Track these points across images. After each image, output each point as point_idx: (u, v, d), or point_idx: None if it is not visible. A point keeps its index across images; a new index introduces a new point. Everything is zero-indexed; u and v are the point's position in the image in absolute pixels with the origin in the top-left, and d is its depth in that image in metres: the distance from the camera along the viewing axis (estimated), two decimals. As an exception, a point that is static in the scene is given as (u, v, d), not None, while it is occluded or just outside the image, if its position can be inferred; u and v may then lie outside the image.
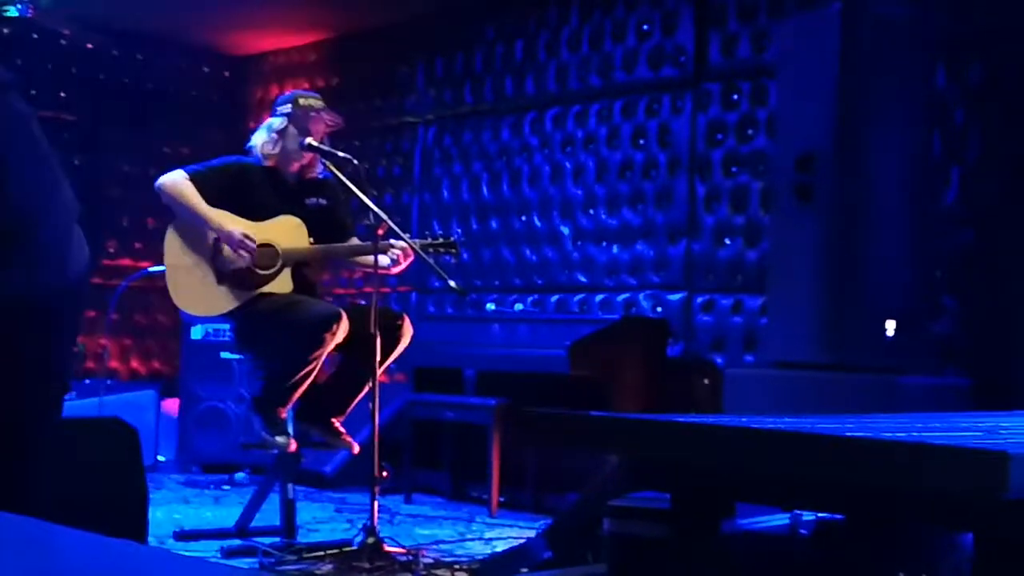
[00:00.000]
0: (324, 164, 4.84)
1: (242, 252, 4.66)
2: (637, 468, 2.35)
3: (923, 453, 1.69)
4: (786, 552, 2.57)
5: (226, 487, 6.73)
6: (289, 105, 4.87)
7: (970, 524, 1.87)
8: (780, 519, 2.77)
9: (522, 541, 4.46)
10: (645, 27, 7.00)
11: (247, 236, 4.67)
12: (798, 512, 2.77)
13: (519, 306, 7.25)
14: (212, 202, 4.73)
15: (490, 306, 7.26)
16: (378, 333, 4.55)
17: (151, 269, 6.60)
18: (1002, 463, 1.59)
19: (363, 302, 7.08)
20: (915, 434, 2.02)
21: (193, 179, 4.73)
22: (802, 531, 2.70)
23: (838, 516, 2.54)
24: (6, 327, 1.87)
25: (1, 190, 1.83)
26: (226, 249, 4.70)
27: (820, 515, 2.73)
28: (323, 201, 4.92)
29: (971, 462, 1.64)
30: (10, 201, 1.83)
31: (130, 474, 3.03)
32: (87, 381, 7.45)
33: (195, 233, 4.74)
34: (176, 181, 4.74)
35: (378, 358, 4.56)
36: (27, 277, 1.88)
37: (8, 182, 1.86)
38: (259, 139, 4.91)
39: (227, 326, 6.37)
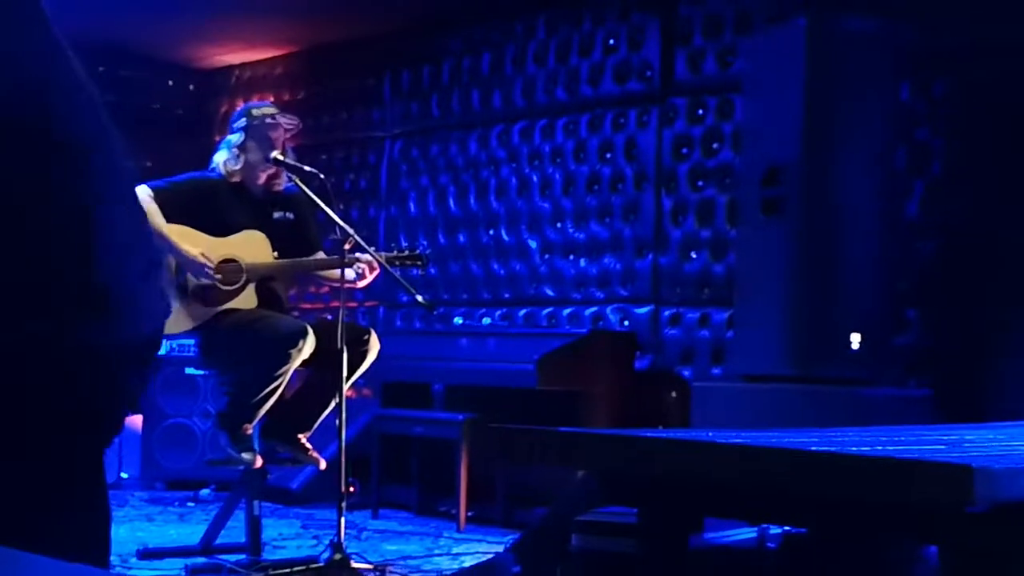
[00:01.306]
0: (290, 177, 4.81)
1: (202, 279, 4.63)
2: (605, 483, 2.35)
3: (888, 467, 1.70)
4: (754, 566, 2.57)
5: (191, 504, 6.66)
6: (244, 119, 4.84)
7: (935, 537, 1.87)
8: (747, 533, 2.77)
9: (490, 556, 4.45)
10: (611, 42, 7.02)
11: (204, 255, 4.63)
12: (765, 526, 2.77)
13: (487, 320, 7.24)
14: (176, 218, 4.69)
15: (458, 320, 7.24)
16: (345, 348, 4.53)
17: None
18: (966, 476, 1.59)
19: (330, 317, 7.06)
20: (880, 448, 2.02)
21: (156, 195, 4.68)
22: (769, 545, 2.70)
23: (805, 530, 2.54)
24: (72, 382, 1.76)
25: (88, 243, 1.73)
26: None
27: (787, 529, 2.73)
28: (290, 215, 4.90)
29: (936, 476, 1.64)
30: (97, 253, 1.72)
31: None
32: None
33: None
34: (138, 197, 4.68)
35: (345, 373, 4.54)
36: (103, 331, 1.76)
37: (97, 234, 1.75)
38: (220, 157, 4.88)
39: (191, 341, 6.32)
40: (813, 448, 1.85)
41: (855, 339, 5.10)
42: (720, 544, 2.62)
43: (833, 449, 1.87)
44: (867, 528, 1.92)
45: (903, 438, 2.37)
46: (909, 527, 1.88)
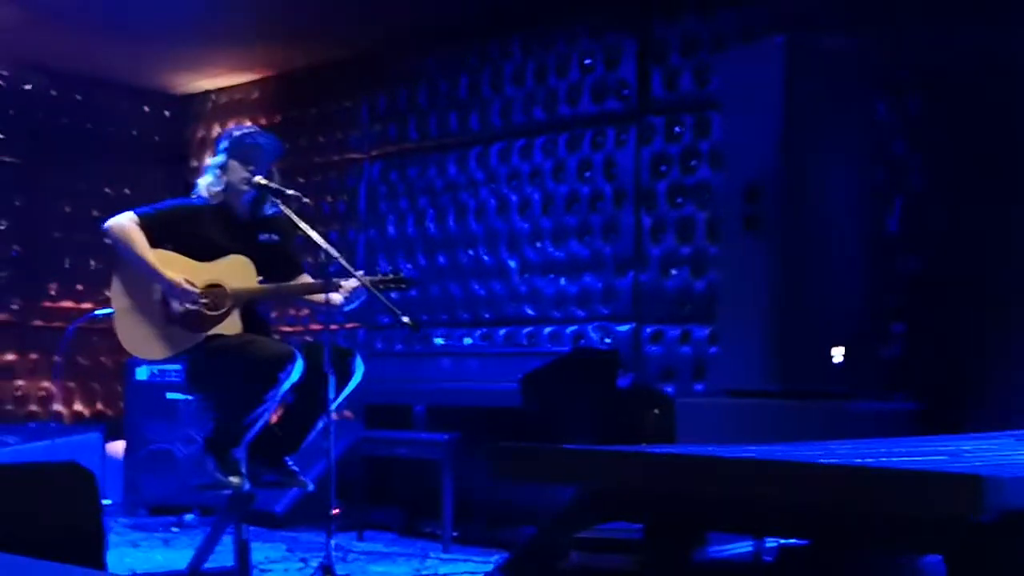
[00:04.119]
0: (274, 201, 4.81)
1: (188, 305, 4.62)
2: (605, 499, 2.36)
3: (897, 478, 1.72)
4: (754, 579, 2.59)
5: (175, 529, 6.63)
6: (226, 141, 4.87)
7: (941, 546, 1.90)
8: (743, 546, 2.79)
9: (480, 576, 4.45)
10: (588, 61, 7.06)
11: (188, 282, 4.62)
12: (761, 540, 2.79)
13: (468, 340, 7.24)
14: (161, 243, 4.69)
15: (439, 341, 7.24)
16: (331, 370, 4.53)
17: (99, 312, 6.52)
18: (976, 485, 1.62)
19: (308, 339, 7.05)
20: (884, 459, 2.05)
21: (142, 221, 4.69)
22: (766, 558, 2.72)
23: (802, 542, 2.56)
24: None
25: None
26: None
27: (782, 541, 2.75)
28: (275, 237, 4.90)
29: (947, 486, 1.66)
30: None
31: (89, 518, 2.98)
32: (31, 425, 7.33)
33: (140, 276, 4.68)
34: (123, 225, 4.68)
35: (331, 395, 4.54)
36: None
37: None
38: (204, 181, 4.89)
39: (174, 367, 6.31)
40: (819, 461, 1.87)
41: (838, 353, 5.14)
42: (718, 558, 2.64)
43: (839, 461, 1.89)
44: (871, 539, 1.94)
45: (902, 450, 2.40)
46: (913, 537, 1.91)
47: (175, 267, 4.68)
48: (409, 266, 6.85)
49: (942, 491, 1.65)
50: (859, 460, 1.98)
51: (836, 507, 1.85)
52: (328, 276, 4.63)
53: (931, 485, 1.68)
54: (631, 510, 2.30)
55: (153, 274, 4.63)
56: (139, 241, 4.65)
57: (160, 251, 4.69)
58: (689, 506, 2.16)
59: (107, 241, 4.71)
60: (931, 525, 1.82)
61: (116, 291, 4.72)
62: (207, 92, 9.25)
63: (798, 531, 2.19)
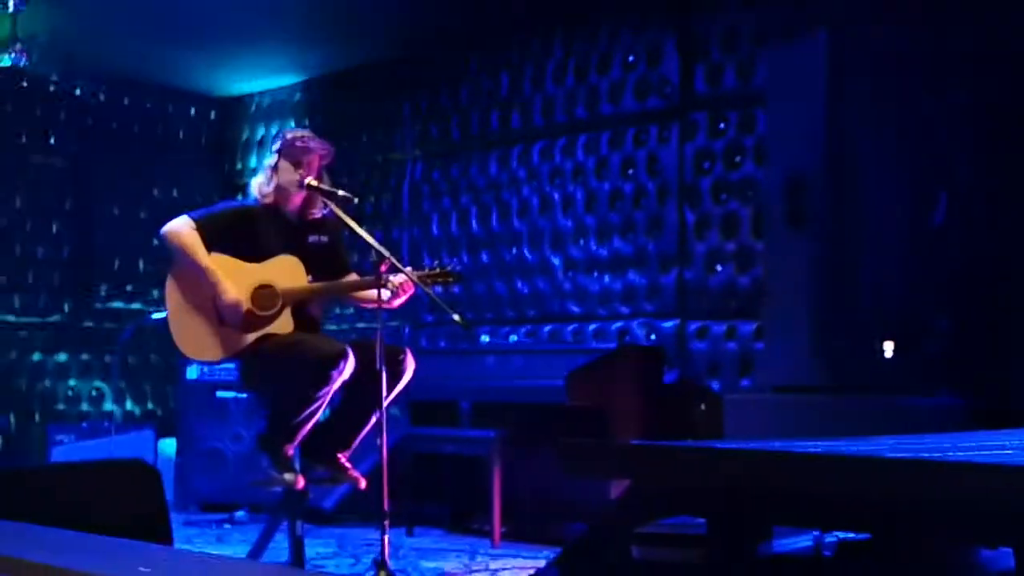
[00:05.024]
0: (325, 203, 4.87)
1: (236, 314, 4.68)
2: (667, 494, 2.39)
3: (969, 472, 1.74)
4: (814, 573, 2.61)
5: (227, 526, 6.72)
6: (279, 142, 4.93)
7: (1011, 539, 1.91)
8: (802, 541, 2.81)
9: (531, 572, 4.47)
10: (630, 59, 7.08)
11: (237, 304, 4.68)
12: (819, 533, 2.81)
13: (513, 337, 7.28)
14: (215, 246, 4.76)
15: (484, 338, 7.29)
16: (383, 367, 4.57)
17: (154, 315, 6.61)
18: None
19: (353, 336, 7.11)
20: (950, 454, 2.07)
21: (198, 225, 4.76)
22: (825, 552, 2.74)
23: (862, 536, 2.58)
24: None
25: None
26: None
27: (841, 536, 2.77)
28: (324, 238, 4.96)
29: (1019, 479, 1.68)
30: None
31: (155, 514, 3.04)
32: (84, 425, 7.44)
33: (195, 279, 4.74)
34: (181, 231, 4.75)
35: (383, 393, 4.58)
36: None
37: None
38: (256, 181, 4.97)
39: (222, 366, 6.38)
40: (888, 455, 1.90)
41: (888, 347, 5.13)
42: (778, 552, 2.66)
43: (906, 455, 1.92)
44: (938, 531, 1.97)
45: (970, 444, 2.42)
46: (982, 529, 1.93)
47: (227, 269, 4.75)
48: (454, 260, 6.89)
49: (1016, 484, 1.68)
50: (926, 454, 2.01)
51: (906, 501, 1.87)
52: (377, 274, 4.66)
53: (1005, 478, 1.70)
54: (694, 504, 2.33)
55: (209, 281, 4.69)
56: (197, 247, 4.72)
57: (214, 255, 4.75)
58: (753, 500, 2.19)
59: (166, 247, 4.77)
60: (1002, 518, 1.84)
61: (170, 293, 4.78)
62: (251, 95, 9.35)
63: (861, 525, 2.21)
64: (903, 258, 5.34)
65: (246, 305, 4.70)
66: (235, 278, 4.73)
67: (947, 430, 4.37)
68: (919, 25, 5.70)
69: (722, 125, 6.64)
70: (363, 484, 4.92)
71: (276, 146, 4.92)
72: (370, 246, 4.63)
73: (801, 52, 5.41)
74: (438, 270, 4.96)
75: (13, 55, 6.69)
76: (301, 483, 4.77)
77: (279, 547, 4.98)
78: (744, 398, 5.80)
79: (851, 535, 2.53)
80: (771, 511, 2.20)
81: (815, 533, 2.86)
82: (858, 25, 5.61)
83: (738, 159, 6.56)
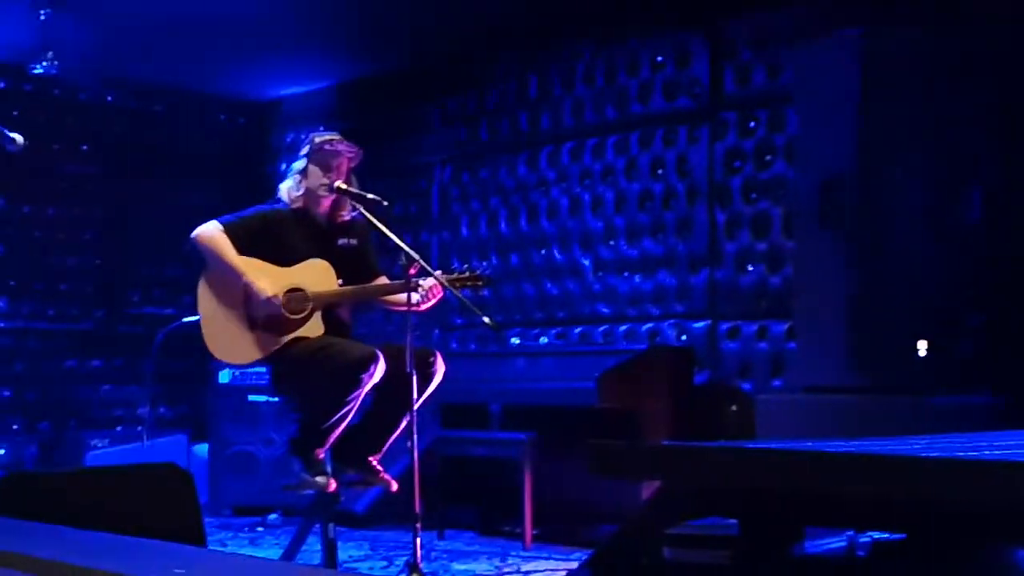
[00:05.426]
0: (355, 206, 4.89)
1: (270, 312, 4.70)
2: (700, 495, 2.38)
3: (1009, 470, 1.72)
4: (848, 574, 2.60)
5: (260, 529, 6.75)
6: (307, 146, 4.94)
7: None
8: (836, 541, 2.80)
9: (563, 574, 4.48)
10: (659, 59, 7.06)
11: (273, 298, 4.70)
12: (852, 534, 2.79)
13: (543, 339, 7.28)
14: (246, 250, 4.78)
15: (514, 340, 7.29)
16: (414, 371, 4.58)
17: (186, 319, 6.64)
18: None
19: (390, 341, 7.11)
20: (986, 453, 2.06)
21: (227, 229, 4.78)
22: (859, 553, 2.72)
23: (897, 536, 2.57)
24: None
25: None
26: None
27: (875, 536, 2.75)
28: (353, 241, 4.97)
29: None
30: None
31: (189, 518, 3.06)
32: (118, 429, 7.49)
33: (226, 282, 4.77)
34: (211, 234, 4.78)
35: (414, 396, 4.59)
36: None
37: None
38: (285, 185, 4.98)
39: (253, 370, 6.42)
40: (922, 455, 1.88)
41: (922, 346, 5.10)
42: (811, 553, 2.65)
43: (940, 455, 1.90)
44: (973, 531, 1.95)
45: (1009, 443, 2.39)
46: (1017, 528, 1.91)
47: (257, 272, 4.77)
48: (484, 264, 6.90)
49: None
50: (961, 453, 1.99)
51: (941, 501, 1.86)
52: (407, 277, 4.67)
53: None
54: (725, 505, 2.32)
55: (241, 281, 4.72)
56: (227, 247, 4.75)
57: (244, 258, 4.77)
58: (785, 501, 2.18)
59: (198, 251, 4.80)
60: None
61: (202, 297, 4.81)
62: (280, 100, 9.39)
63: (895, 525, 2.20)
64: (934, 257, 5.30)
65: (281, 299, 4.71)
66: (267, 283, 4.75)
67: (981, 429, 4.33)
68: (949, 22, 5.66)
69: (752, 124, 6.62)
70: (394, 487, 4.93)
71: (304, 150, 4.93)
72: (400, 249, 4.64)
73: (832, 52, 5.38)
74: (467, 274, 4.97)
75: (45, 64, 6.75)
76: (333, 486, 4.78)
77: (312, 550, 5.00)
78: (776, 399, 5.78)
79: (885, 535, 2.51)
80: (803, 512, 2.19)
81: (849, 533, 2.84)
82: (890, 23, 5.58)
83: (768, 158, 6.54)
